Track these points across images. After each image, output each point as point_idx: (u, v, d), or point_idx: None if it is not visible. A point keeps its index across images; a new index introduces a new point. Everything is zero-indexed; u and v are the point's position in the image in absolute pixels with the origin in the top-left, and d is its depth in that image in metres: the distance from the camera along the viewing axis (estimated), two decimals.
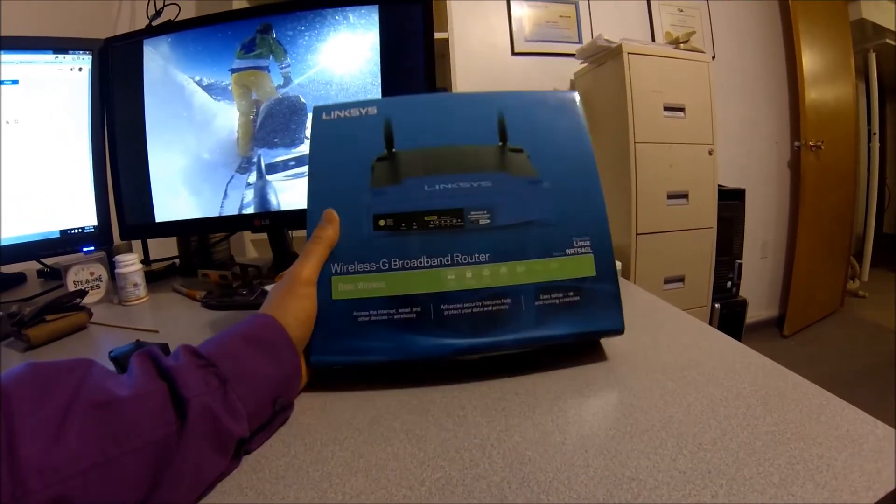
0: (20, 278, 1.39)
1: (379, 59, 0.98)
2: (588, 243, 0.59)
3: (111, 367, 0.62)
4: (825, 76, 3.42)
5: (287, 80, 1.01)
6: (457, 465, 0.41)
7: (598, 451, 0.42)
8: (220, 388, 0.42)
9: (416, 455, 0.43)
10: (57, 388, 0.35)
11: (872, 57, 4.00)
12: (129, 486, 0.34)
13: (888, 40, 3.84)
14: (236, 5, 2.31)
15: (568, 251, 0.58)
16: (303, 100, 1.01)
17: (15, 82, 1.03)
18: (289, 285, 0.55)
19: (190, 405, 0.38)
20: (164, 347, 0.67)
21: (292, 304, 0.54)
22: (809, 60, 3.26)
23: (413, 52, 0.98)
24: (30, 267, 1.35)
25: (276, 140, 1.03)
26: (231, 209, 1.06)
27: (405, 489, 0.39)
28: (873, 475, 0.36)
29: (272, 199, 1.04)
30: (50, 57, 1.07)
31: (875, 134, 4.15)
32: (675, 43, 2.66)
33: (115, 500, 0.33)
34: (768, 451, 0.40)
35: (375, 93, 0.99)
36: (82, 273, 1.08)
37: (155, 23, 1.67)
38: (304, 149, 1.02)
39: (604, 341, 0.63)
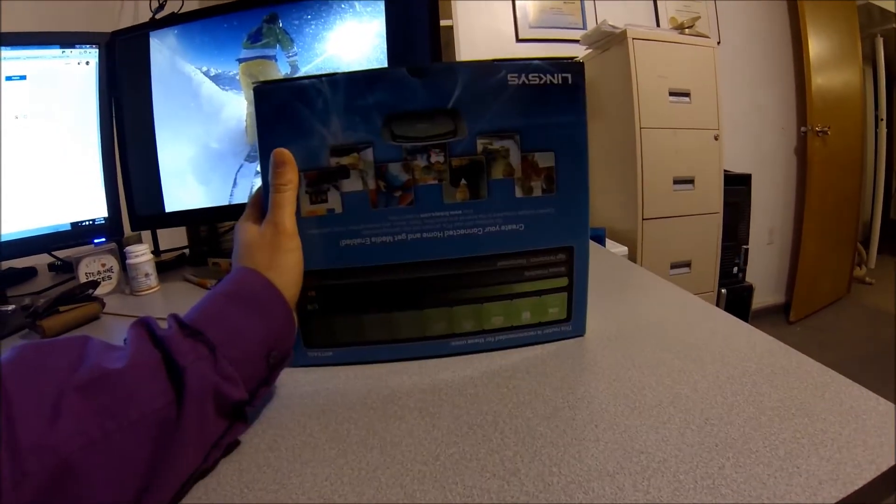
0: (31, 272, 1.41)
1: (385, 47, 0.98)
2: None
3: None
4: (832, 61, 3.40)
5: (294, 69, 1.01)
6: (470, 440, 0.42)
7: (607, 426, 0.43)
8: (209, 355, 0.41)
9: (430, 432, 0.44)
10: (52, 367, 0.35)
11: (880, 42, 3.97)
12: (131, 459, 0.34)
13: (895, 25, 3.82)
14: None
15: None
16: None
17: (23, 77, 1.04)
18: (275, 240, 0.52)
19: (186, 373, 0.38)
20: None
21: (284, 261, 0.52)
22: (816, 46, 3.24)
23: (419, 39, 0.98)
24: (40, 261, 1.36)
25: None
26: (241, 197, 1.06)
27: (420, 464, 0.40)
28: (876, 449, 0.37)
29: None
30: (57, 52, 1.08)
31: (882, 120, 4.14)
32: (680, 28, 2.65)
33: (118, 474, 0.33)
34: (774, 426, 0.41)
35: None
36: (94, 264, 1.09)
37: (158, 16, 1.67)
38: None
39: (613, 323, 0.64)
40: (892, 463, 0.36)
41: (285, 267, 0.51)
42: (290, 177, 0.53)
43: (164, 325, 0.43)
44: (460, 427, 0.44)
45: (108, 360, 0.37)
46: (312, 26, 1.00)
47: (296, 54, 1.01)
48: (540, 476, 0.37)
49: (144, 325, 0.42)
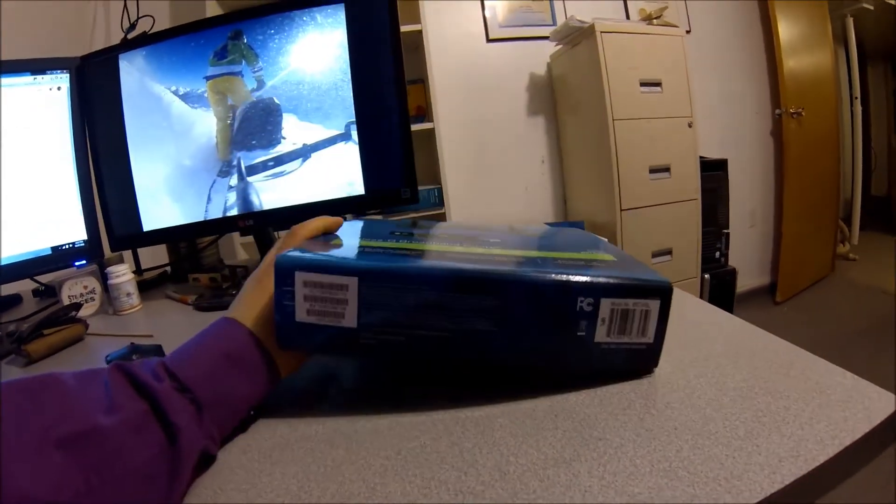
0: (16, 300, 1.41)
1: (348, 56, 1.00)
2: None
3: None
4: (802, 44, 3.43)
5: (261, 84, 1.03)
6: (431, 434, 0.44)
7: (567, 415, 0.44)
8: (195, 414, 0.41)
9: (394, 428, 0.45)
10: (31, 414, 0.34)
11: (850, 22, 4.00)
12: None
13: (865, 4, 3.84)
14: (210, 12, 2.31)
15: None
16: (277, 101, 1.02)
17: None
18: (258, 275, 0.52)
19: (181, 434, 0.38)
20: (159, 349, 0.69)
21: (260, 300, 0.49)
22: (785, 29, 3.28)
23: (381, 46, 1.00)
24: (25, 287, 1.36)
25: (253, 142, 1.04)
26: (215, 213, 1.07)
27: (382, 458, 0.41)
28: (840, 424, 0.38)
29: (254, 199, 1.06)
30: (28, 79, 1.08)
31: (857, 98, 4.17)
32: (648, 19, 2.67)
33: None
34: (735, 406, 0.42)
35: (347, 89, 1.00)
36: (76, 287, 1.10)
37: (130, 35, 1.68)
38: (281, 149, 1.04)
39: None
40: (856, 437, 0.37)
41: (260, 307, 0.49)
42: (315, 226, 0.56)
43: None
44: (423, 422, 0.46)
45: (91, 409, 0.36)
46: (276, 40, 1.01)
47: (261, 69, 1.02)
48: (497, 466, 0.39)
49: (125, 373, 0.41)
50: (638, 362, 0.49)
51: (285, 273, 0.45)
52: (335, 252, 0.50)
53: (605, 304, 0.46)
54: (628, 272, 0.49)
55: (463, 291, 0.45)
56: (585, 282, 0.46)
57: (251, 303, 0.50)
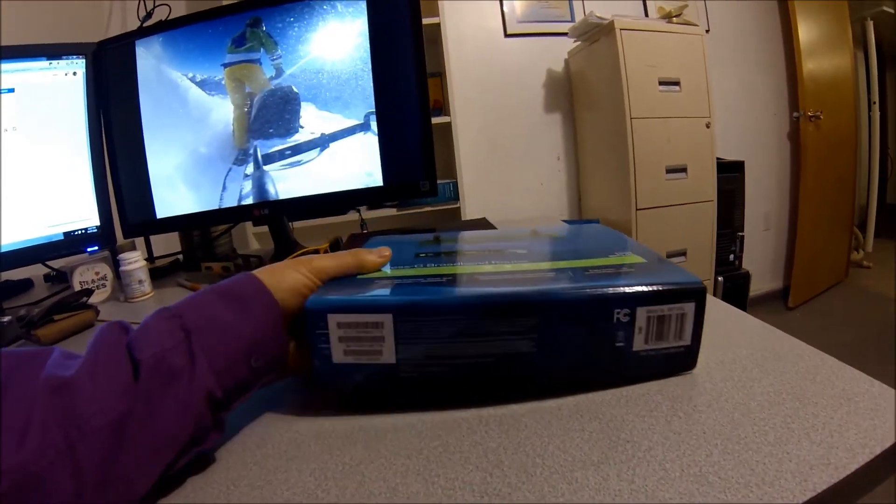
0: (27, 284, 1.41)
1: (368, 46, 0.99)
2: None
3: None
4: (822, 46, 3.39)
5: (279, 72, 1.02)
6: (454, 433, 0.42)
7: (593, 416, 0.43)
8: (183, 339, 0.40)
9: (415, 426, 0.44)
10: (19, 380, 0.34)
11: (870, 25, 3.97)
12: (95, 465, 0.33)
13: (885, 8, 3.81)
14: (226, 1, 2.31)
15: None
16: (295, 89, 1.01)
17: (11, 90, 1.04)
18: (295, 262, 0.50)
19: (142, 365, 0.37)
20: None
21: (287, 274, 0.49)
22: (805, 31, 3.24)
23: (403, 36, 0.99)
24: (36, 272, 1.36)
25: (271, 130, 1.03)
26: (230, 201, 1.07)
27: (403, 458, 0.40)
28: (869, 432, 0.37)
29: (270, 188, 1.05)
30: (44, 63, 1.08)
31: (875, 103, 4.12)
32: (668, 17, 2.65)
33: (82, 478, 0.33)
34: (763, 412, 0.41)
35: (367, 79, 0.99)
36: (88, 273, 1.10)
37: (146, 24, 1.67)
38: (298, 138, 1.03)
39: None
40: (887, 446, 0.35)
41: (283, 277, 0.48)
42: (368, 259, 0.55)
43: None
44: (445, 420, 0.44)
45: (71, 367, 0.36)
46: (296, 28, 1.00)
47: (280, 57, 1.01)
48: (523, 467, 0.37)
49: (116, 328, 0.41)
50: (677, 364, 0.49)
51: (317, 317, 0.45)
52: (364, 287, 0.50)
53: (642, 313, 0.46)
54: (660, 276, 0.48)
55: (498, 316, 0.45)
56: (620, 293, 0.46)
57: (275, 270, 0.49)
